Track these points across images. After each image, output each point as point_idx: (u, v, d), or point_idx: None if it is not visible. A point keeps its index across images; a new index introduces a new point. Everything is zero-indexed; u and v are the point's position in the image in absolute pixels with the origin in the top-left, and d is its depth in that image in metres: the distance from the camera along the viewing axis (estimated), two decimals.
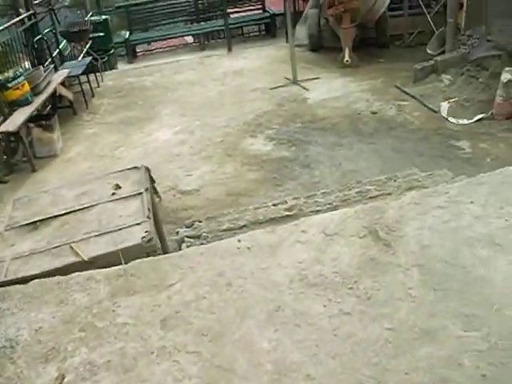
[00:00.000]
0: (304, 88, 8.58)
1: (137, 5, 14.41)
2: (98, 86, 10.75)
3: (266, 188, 5.96)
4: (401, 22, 10.73)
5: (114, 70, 12.65)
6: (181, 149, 7.31)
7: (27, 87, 7.74)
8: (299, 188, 5.81)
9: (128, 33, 14.10)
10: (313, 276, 3.08)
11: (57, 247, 3.78)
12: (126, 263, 3.53)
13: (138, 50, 14.93)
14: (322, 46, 10.99)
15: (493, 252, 2.95)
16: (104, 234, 4.04)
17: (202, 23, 14.50)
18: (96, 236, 4.04)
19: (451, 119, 6.60)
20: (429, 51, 8.84)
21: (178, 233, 4.04)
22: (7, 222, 4.23)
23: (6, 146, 7.62)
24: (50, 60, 10.09)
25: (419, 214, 3.38)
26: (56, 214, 4.19)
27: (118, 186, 4.61)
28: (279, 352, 2.63)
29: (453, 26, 8.40)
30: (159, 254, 3.86)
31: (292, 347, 2.64)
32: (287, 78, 9.00)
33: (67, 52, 11.65)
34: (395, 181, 4.37)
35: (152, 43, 15.79)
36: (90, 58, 10.79)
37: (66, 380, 2.57)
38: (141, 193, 4.39)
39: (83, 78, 9.90)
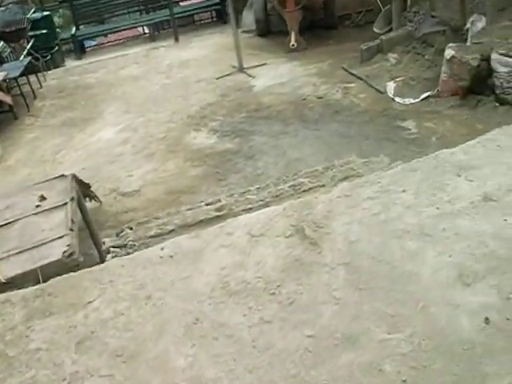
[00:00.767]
0: (250, 75, 8.35)
1: None
2: (41, 87, 10.31)
3: (208, 184, 5.74)
4: (349, 2, 10.55)
5: (60, 68, 12.15)
6: (123, 148, 7.03)
7: None
8: (242, 181, 5.61)
9: (74, 28, 13.56)
10: (235, 283, 2.89)
11: None
12: (45, 281, 3.32)
13: (87, 45, 14.38)
14: (270, 30, 10.73)
15: (422, 243, 2.81)
16: (24, 251, 3.79)
17: (151, 13, 14.05)
18: (16, 254, 3.79)
19: (397, 99, 6.47)
20: (375, 30, 8.70)
21: (104, 243, 3.80)
22: None
23: None
24: None
25: (348, 207, 3.21)
26: None
27: (42, 198, 4.35)
28: (195, 369, 2.46)
29: (399, 3, 8.27)
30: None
31: (208, 362, 2.47)
32: (233, 66, 8.76)
33: (6, 53, 11.10)
34: (332, 170, 4.19)
35: (109, 35, 15.23)
36: (30, 57, 10.30)
37: None
38: (66, 203, 4.13)
39: (23, 80, 9.41)
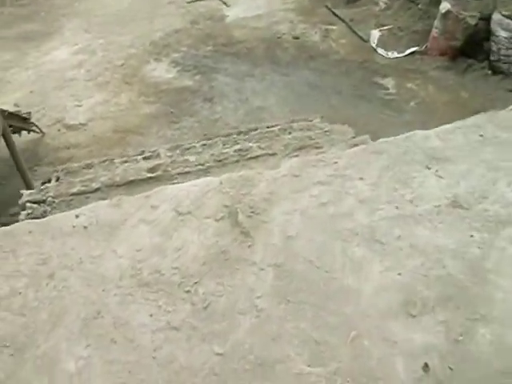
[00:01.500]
0: (225, 3, 7.57)
1: None
2: None
3: (159, 125, 5.20)
4: None
5: None
6: (77, 72, 6.34)
7: None
8: (196, 126, 5.10)
9: None
10: (148, 271, 2.45)
11: None
12: None
13: None
14: None
15: (369, 252, 2.39)
16: None
17: None
18: None
19: (380, 50, 5.86)
20: None
21: (21, 196, 3.29)
22: None
23: None
24: None
25: (294, 191, 2.74)
26: None
27: None
28: (84, 377, 2.07)
29: None
30: None
31: (101, 371, 2.07)
32: None
33: None
34: (289, 133, 3.68)
35: None
36: None
37: None
38: None
39: None
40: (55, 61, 6.60)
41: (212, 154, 3.36)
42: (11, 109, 5.84)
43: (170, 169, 3.27)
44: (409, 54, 5.69)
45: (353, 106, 5.04)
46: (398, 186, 2.72)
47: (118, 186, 3.21)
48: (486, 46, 5.12)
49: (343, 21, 6.50)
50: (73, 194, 3.20)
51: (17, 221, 3.19)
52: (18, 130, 4.54)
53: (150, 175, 3.24)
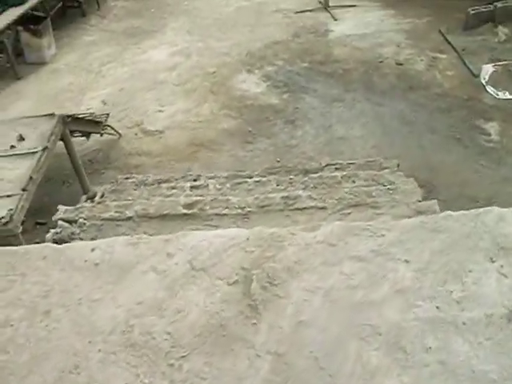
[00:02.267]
0: (333, 17, 7.18)
1: None
2: None
3: (234, 143, 5.01)
4: None
5: None
6: (168, 75, 6.36)
7: None
8: (270, 151, 4.82)
9: None
10: (140, 330, 2.24)
11: None
12: None
13: None
14: None
15: (389, 361, 1.99)
16: None
17: None
18: None
19: (490, 89, 5.20)
20: None
21: (37, 224, 3.25)
22: None
23: None
24: None
25: (325, 263, 2.39)
26: None
27: (21, 138, 3.81)
28: None
29: None
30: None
31: None
32: (320, 1, 7.55)
33: None
34: (353, 182, 3.30)
35: None
36: None
37: None
38: (36, 152, 3.58)
39: None
40: (151, 61, 6.68)
41: (256, 198, 3.07)
42: (98, 105, 6.01)
43: (207, 207, 3.04)
44: None
45: (445, 150, 4.49)
46: (448, 279, 2.26)
47: (151, 218, 3.03)
48: None
49: (455, 50, 5.86)
50: (104, 219, 3.07)
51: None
52: (85, 134, 4.59)
53: (185, 211, 3.02)
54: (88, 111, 5.95)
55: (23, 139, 3.62)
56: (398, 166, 3.83)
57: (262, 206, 3.03)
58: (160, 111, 5.63)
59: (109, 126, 5.11)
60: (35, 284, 2.54)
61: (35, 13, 7.31)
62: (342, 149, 4.79)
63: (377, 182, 3.36)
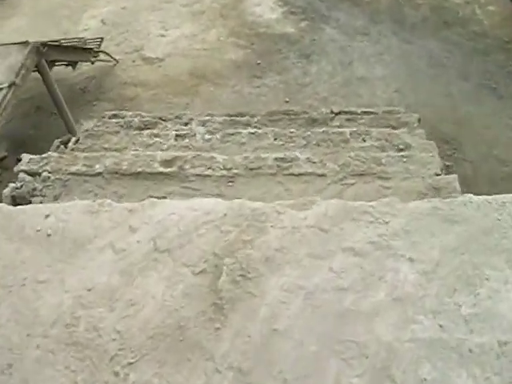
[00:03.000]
0: None
1: None
2: None
3: (240, 77, 4.49)
4: None
5: None
6: None
7: None
8: (280, 88, 4.32)
9: None
10: (86, 325, 1.93)
11: None
12: None
13: None
14: None
15: None
16: None
17: None
18: None
19: None
20: None
21: (18, 161, 2.86)
22: None
23: None
24: None
25: (312, 255, 2.01)
26: None
27: None
28: None
29: None
30: None
31: None
32: None
33: None
34: (364, 141, 2.83)
35: None
36: None
37: None
38: (1, 88, 3.13)
39: None
40: None
41: (246, 158, 2.63)
42: (97, 25, 5.44)
43: (187, 166, 2.61)
44: None
45: (476, 100, 3.92)
46: (459, 288, 1.86)
47: (123, 174, 2.62)
48: None
49: None
50: (71, 174, 2.68)
51: None
52: (71, 63, 4.09)
53: (162, 170, 2.60)
54: (85, 31, 5.43)
55: None
56: (419, 121, 3.30)
57: (252, 169, 2.59)
58: (163, 36, 5.07)
59: (103, 51, 4.59)
60: None
61: None
62: (360, 91, 4.24)
63: (390, 142, 2.86)
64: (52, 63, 3.67)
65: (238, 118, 3.46)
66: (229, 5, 5.36)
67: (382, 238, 2.03)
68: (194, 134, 3.05)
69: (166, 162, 2.66)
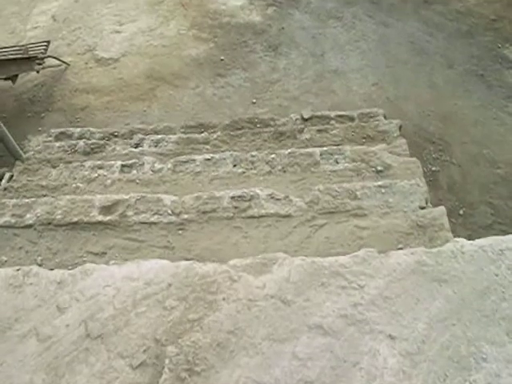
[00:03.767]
0: None
1: None
2: None
3: (202, 76, 4.08)
4: None
5: None
6: None
7: None
8: (245, 87, 3.93)
9: None
10: None
11: None
12: None
13: None
14: None
15: None
16: None
17: None
18: None
19: None
20: None
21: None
22: None
23: None
24: None
25: (271, 336, 1.68)
26: None
27: None
28: None
29: None
30: None
31: None
32: None
33: None
34: (337, 163, 2.47)
35: None
36: None
37: None
38: None
39: None
40: None
41: (198, 198, 2.25)
42: (48, 22, 4.96)
43: (130, 213, 2.23)
44: None
45: (463, 90, 3.56)
46: (451, 373, 1.55)
47: (58, 225, 2.25)
48: None
49: None
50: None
51: None
52: (10, 77, 3.66)
53: (101, 219, 2.23)
54: (34, 30, 4.95)
55: None
56: (400, 128, 2.93)
57: (205, 212, 2.22)
58: (117, 32, 4.61)
59: (51, 56, 4.13)
60: None
61: None
62: (334, 87, 3.84)
63: (367, 163, 2.49)
64: None
65: (194, 136, 3.07)
66: None
67: (356, 310, 1.69)
68: (143, 164, 2.66)
69: (106, 209, 2.29)
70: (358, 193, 2.24)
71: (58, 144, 3.17)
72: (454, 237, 2.05)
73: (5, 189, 2.66)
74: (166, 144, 3.02)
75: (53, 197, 2.39)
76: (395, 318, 1.66)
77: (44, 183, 2.65)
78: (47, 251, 2.22)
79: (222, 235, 2.18)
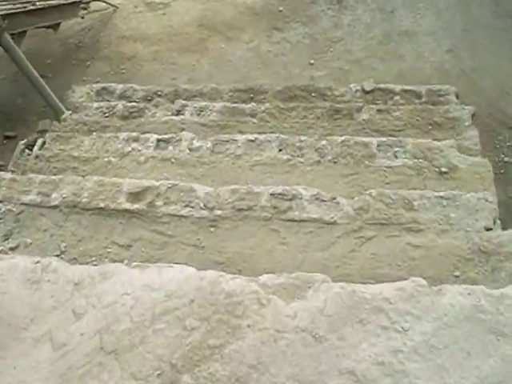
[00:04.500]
0: None
1: None
2: None
3: (257, 29, 3.80)
4: None
5: None
6: None
7: None
8: (303, 44, 3.63)
9: None
10: None
11: None
12: None
13: None
14: None
15: None
16: None
17: None
18: None
19: None
20: None
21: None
22: None
23: None
24: None
25: (296, 378, 1.52)
26: None
27: None
28: None
29: None
30: None
31: None
32: None
33: None
34: (395, 157, 2.22)
35: None
36: None
37: None
38: None
39: None
40: None
41: (234, 192, 2.06)
42: None
43: (160, 202, 2.07)
44: None
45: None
46: None
47: (83, 209, 2.13)
48: None
49: None
50: (24, 204, 2.21)
51: None
52: (52, 26, 3.46)
53: (128, 207, 2.08)
54: None
55: None
56: (473, 116, 2.60)
57: (240, 209, 2.03)
58: None
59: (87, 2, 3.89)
60: None
61: None
62: (403, 51, 3.47)
63: (430, 162, 2.21)
64: (23, 33, 3.07)
65: (241, 106, 2.83)
66: None
67: (395, 357, 1.50)
68: (180, 140, 2.47)
69: (134, 196, 2.14)
70: (415, 203, 1.99)
71: (95, 105, 3.01)
72: None
73: (36, 157, 2.55)
74: (209, 113, 2.81)
75: (82, 176, 2.26)
76: (440, 374, 1.46)
77: (76, 154, 2.52)
78: (72, 237, 2.11)
79: (257, 238, 2.00)
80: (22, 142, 2.75)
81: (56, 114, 3.22)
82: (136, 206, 2.11)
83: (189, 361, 1.57)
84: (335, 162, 2.31)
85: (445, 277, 1.86)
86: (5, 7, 2.90)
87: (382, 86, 3.04)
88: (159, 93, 3.26)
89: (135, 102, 3.22)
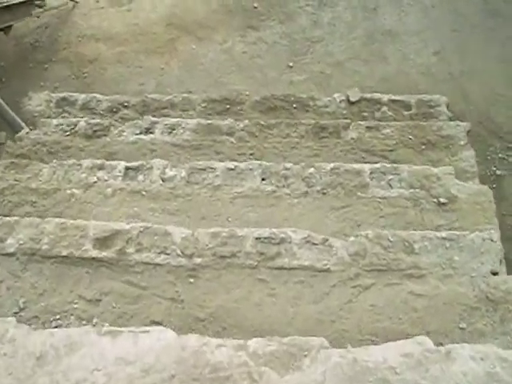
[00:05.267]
0: None
1: None
2: None
3: (230, 27, 3.60)
4: None
5: None
6: None
7: None
8: (280, 44, 3.47)
9: None
10: None
11: None
12: None
13: None
14: None
15: None
16: None
17: None
18: None
19: None
20: None
21: None
22: None
23: None
24: None
25: None
26: None
27: None
28: None
29: None
30: None
31: None
32: None
33: None
34: (391, 186, 2.06)
35: None
36: None
37: None
38: None
39: None
40: None
41: (214, 236, 1.87)
42: None
43: (131, 249, 1.87)
44: None
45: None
46: None
47: (44, 257, 1.90)
48: None
49: None
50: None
51: None
52: (2, 29, 3.16)
53: (95, 255, 1.87)
54: None
55: None
56: (468, 133, 2.45)
57: (222, 257, 1.84)
58: None
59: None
60: None
61: None
62: (386, 52, 3.31)
63: (428, 191, 2.05)
64: None
65: (217, 123, 2.62)
66: None
67: None
68: (151, 168, 2.25)
69: (102, 241, 1.92)
70: (415, 246, 1.83)
71: (55, 122, 2.75)
72: None
73: None
74: (182, 131, 2.59)
75: (41, 211, 2.03)
76: None
77: (34, 185, 2.27)
78: (32, 290, 1.89)
79: (242, 289, 1.81)
80: None
81: (12, 129, 2.96)
82: (104, 253, 1.90)
83: None
84: (324, 193, 2.14)
85: (450, 329, 1.72)
86: None
87: (368, 95, 2.87)
88: (126, 104, 3.02)
89: (100, 114, 2.98)
